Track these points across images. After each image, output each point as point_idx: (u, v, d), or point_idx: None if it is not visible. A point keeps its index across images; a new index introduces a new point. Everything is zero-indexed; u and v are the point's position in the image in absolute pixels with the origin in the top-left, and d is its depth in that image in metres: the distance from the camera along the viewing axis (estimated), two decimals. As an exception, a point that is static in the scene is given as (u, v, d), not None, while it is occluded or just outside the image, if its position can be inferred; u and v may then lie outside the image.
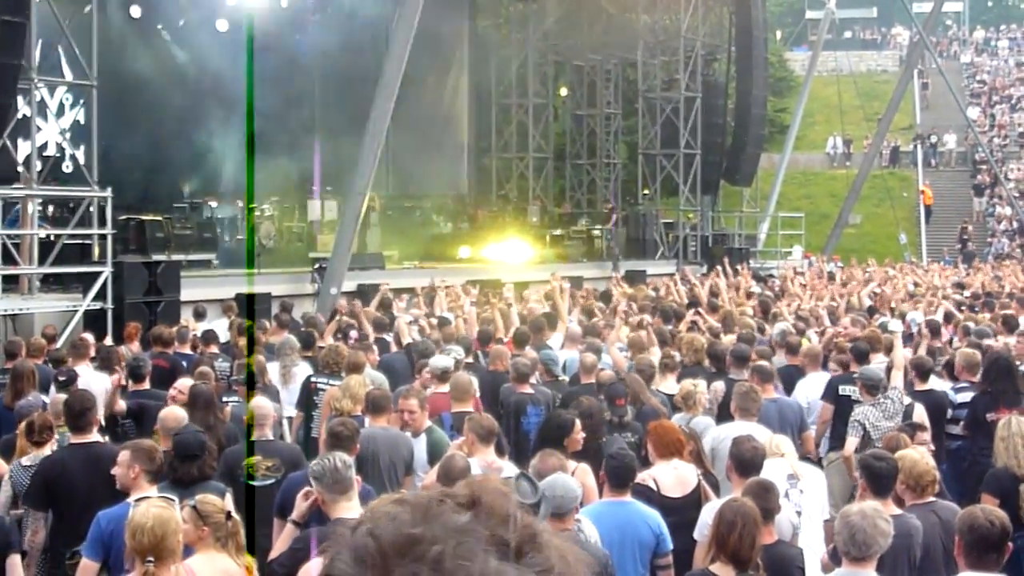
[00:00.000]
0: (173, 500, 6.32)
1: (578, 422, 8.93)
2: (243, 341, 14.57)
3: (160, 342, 14.15)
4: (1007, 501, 8.32)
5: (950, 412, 11.80)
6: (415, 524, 1.50)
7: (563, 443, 8.50)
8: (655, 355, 12.72)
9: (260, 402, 9.66)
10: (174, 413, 9.07)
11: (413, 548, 1.47)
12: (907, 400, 10.80)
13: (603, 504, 7.65)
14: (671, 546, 7.49)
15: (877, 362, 12.29)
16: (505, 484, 1.65)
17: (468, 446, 8.61)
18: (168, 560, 5.88)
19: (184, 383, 10.86)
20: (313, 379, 12.34)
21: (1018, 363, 12.62)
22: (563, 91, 42.72)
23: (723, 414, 10.59)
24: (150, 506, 6.04)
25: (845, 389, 11.84)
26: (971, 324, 16.52)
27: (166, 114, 27.31)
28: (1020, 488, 8.39)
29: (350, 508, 6.68)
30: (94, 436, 8.74)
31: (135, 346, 14.77)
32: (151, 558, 5.80)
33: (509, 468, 8.51)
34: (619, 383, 10.81)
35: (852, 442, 10.39)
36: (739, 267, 28.54)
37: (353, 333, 15.06)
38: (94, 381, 11.73)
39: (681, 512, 7.81)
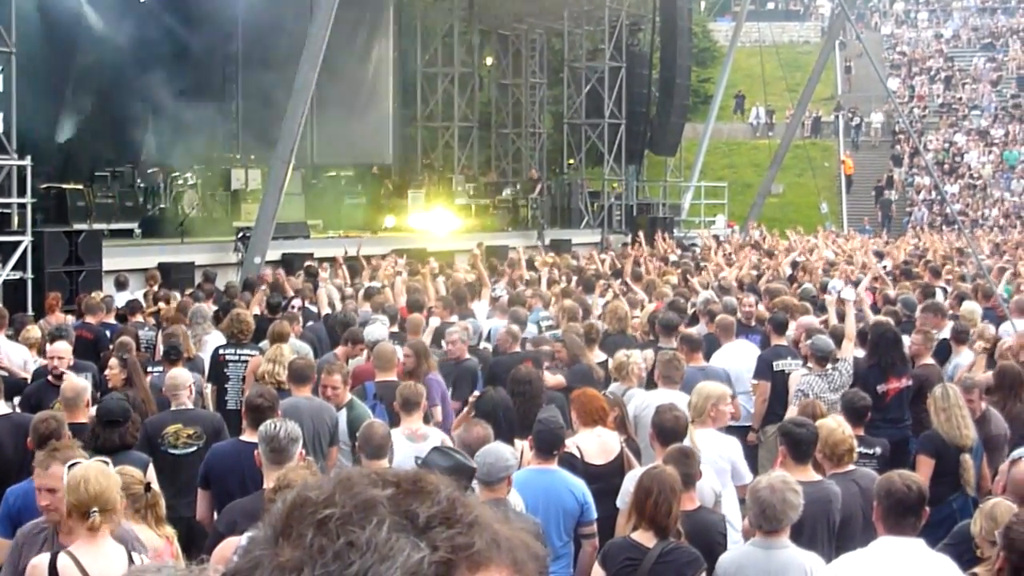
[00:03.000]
0: (107, 461, 6.24)
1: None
2: (160, 310, 14.49)
3: (87, 312, 14.01)
4: (943, 463, 8.50)
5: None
6: (318, 490, 1.50)
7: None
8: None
9: (175, 372, 9.63)
10: (73, 384, 8.93)
11: (303, 510, 1.47)
12: (852, 371, 10.86)
13: (528, 471, 7.67)
14: (595, 515, 7.54)
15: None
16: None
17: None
18: (111, 514, 5.76)
19: (60, 348, 10.74)
20: (221, 351, 12.23)
21: (935, 333, 12.82)
22: (488, 60, 42.60)
23: (648, 382, 10.63)
24: (89, 464, 5.92)
25: (779, 364, 11.90)
26: (891, 292, 16.79)
27: (87, 82, 26.93)
28: (961, 457, 8.54)
29: None
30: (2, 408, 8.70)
31: (56, 317, 14.56)
32: (95, 508, 5.71)
33: (435, 435, 8.54)
34: (543, 351, 10.86)
35: (792, 411, 10.30)
36: (659, 236, 28.73)
37: (297, 302, 15.03)
38: (12, 352, 11.61)
39: (605, 479, 7.88)
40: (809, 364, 11.12)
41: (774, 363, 11.94)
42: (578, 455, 8.06)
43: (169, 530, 6.51)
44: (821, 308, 15.01)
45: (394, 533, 1.44)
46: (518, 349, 11.65)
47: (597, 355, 11.71)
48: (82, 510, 5.71)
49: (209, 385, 12.15)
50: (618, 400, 9.02)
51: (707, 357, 11.90)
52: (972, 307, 14.46)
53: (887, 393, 10.84)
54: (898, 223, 50.10)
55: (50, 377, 10.15)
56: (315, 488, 1.51)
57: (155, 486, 6.63)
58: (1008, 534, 5.37)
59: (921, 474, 8.30)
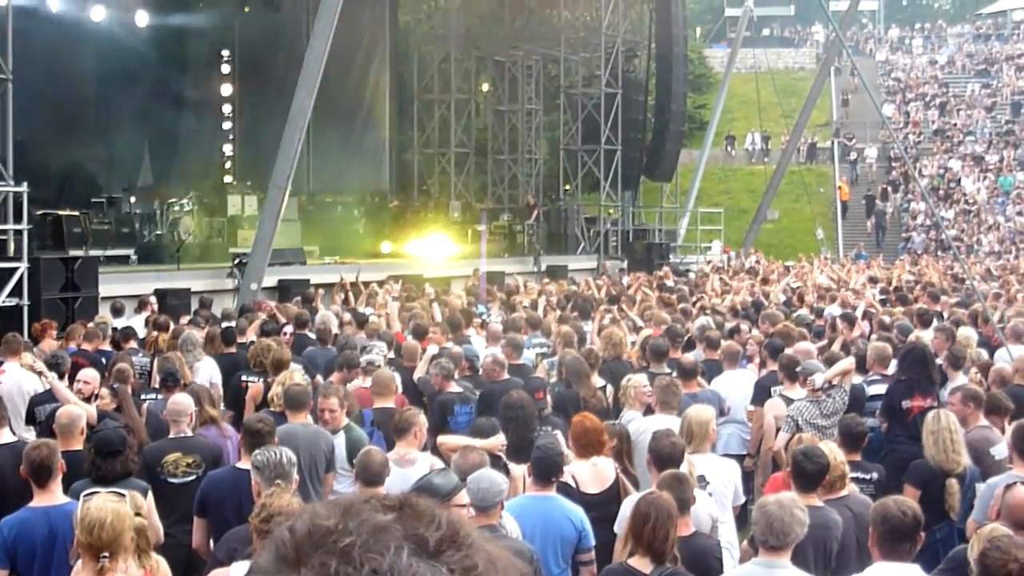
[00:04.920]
0: (123, 495, 6.23)
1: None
2: (159, 337, 14.45)
3: (82, 339, 14.00)
4: (929, 493, 8.48)
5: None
6: (331, 518, 1.51)
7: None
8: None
9: (178, 398, 9.61)
10: (68, 411, 8.90)
11: (324, 539, 1.48)
12: (847, 400, 10.84)
13: (526, 498, 7.67)
14: (593, 542, 7.53)
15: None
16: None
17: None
18: (121, 556, 5.78)
19: (88, 374, 10.78)
20: (243, 377, 12.27)
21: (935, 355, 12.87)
22: (485, 87, 42.75)
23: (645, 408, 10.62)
24: (105, 501, 5.92)
25: (777, 390, 11.92)
26: (886, 318, 16.79)
27: (84, 109, 26.99)
28: (948, 482, 8.53)
29: None
30: (6, 435, 8.67)
31: (48, 344, 14.47)
32: (106, 554, 5.70)
33: (424, 459, 8.54)
34: (537, 377, 10.85)
35: (783, 437, 10.32)
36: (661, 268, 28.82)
37: (288, 329, 15.02)
38: (23, 380, 11.59)
39: (600, 507, 7.86)
40: (784, 391, 11.09)
41: (772, 389, 11.93)
42: (573, 484, 8.04)
43: (154, 560, 6.46)
44: (817, 334, 15.03)
45: (412, 559, 1.47)
46: (506, 376, 11.63)
47: (596, 381, 11.73)
48: (93, 552, 5.72)
49: (224, 410, 12.21)
50: (620, 432, 8.95)
51: (708, 383, 11.90)
52: (967, 333, 14.46)
53: (911, 410, 10.83)
54: (892, 247, 50.14)
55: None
56: (325, 516, 1.52)
57: (144, 514, 6.61)
58: (984, 560, 5.38)
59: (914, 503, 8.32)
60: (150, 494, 7.68)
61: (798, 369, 11.13)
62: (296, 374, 10.72)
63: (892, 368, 12.12)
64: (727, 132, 58.85)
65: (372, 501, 1.56)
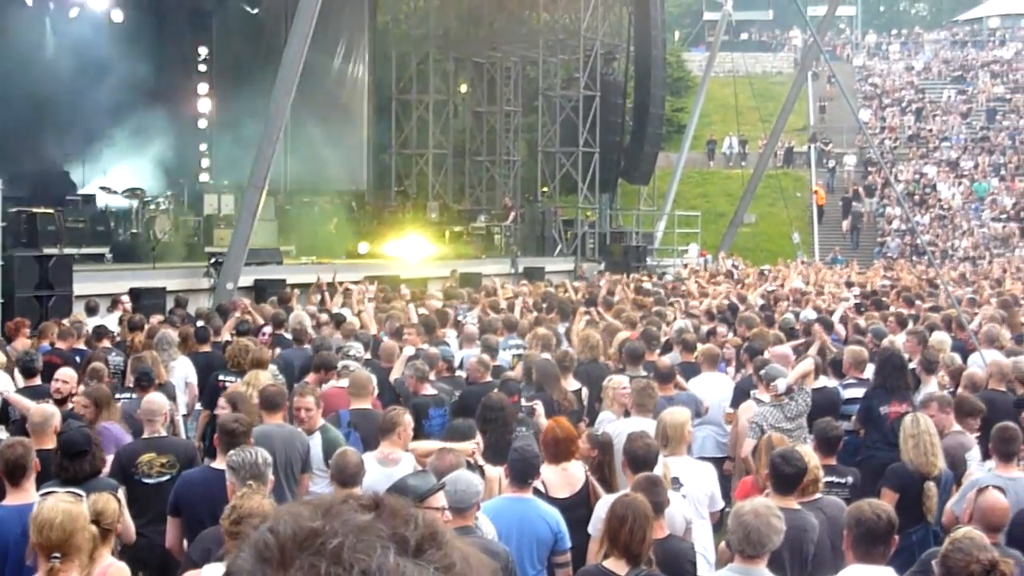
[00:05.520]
0: (81, 495, 6.20)
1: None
2: (135, 337, 14.38)
3: (56, 337, 13.93)
4: (906, 496, 8.52)
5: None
6: (315, 519, 1.51)
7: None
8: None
9: (152, 398, 9.57)
10: (42, 410, 8.87)
11: (312, 541, 1.48)
12: (810, 401, 10.91)
13: (502, 500, 7.67)
14: (569, 544, 7.54)
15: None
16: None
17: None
18: (75, 557, 5.74)
19: (66, 373, 10.73)
20: (221, 376, 12.25)
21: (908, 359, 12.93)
22: (463, 88, 42.72)
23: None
24: (58, 501, 5.89)
25: (755, 392, 11.91)
26: (862, 322, 16.85)
27: (59, 107, 26.85)
28: (926, 485, 8.56)
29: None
30: None
31: (21, 342, 14.38)
32: (57, 555, 5.67)
33: (408, 459, 8.53)
34: (513, 381, 10.85)
35: (749, 443, 10.37)
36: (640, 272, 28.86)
37: (267, 329, 14.97)
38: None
39: (570, 511, 7.83)
40: (759, 395, 11.13)
41: (751, 391, 11.96)
42: (543, 489, 8.02)
43: (114, 567, 6.38)
44: (794, 338, 15.06)
45: (399, 558, 1.48)
46: (489, 379, 11.63)
47: (571, 383, 11.73)
48: (45, 553, 5.70)
49: (201, 408, 12.20)
50: (603, 442, 8.88)
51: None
52: (941, 337, 14.53)
53: (889, 415, 10.87)
54: (868, 251, 50.33)
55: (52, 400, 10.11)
56: (309, 517, 1.52)
57: (109, 515, 6.55)
58: (946, 562, 5.39)
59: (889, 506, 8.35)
60: (122, 493, 7.63)
61: (762, 373, 11.18)
62: (262, 375, 10.68)
63: (868, 372, 12.18)
64: (708, 136, 59.01)
65: (350, 501, 1.56)
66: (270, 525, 1.53)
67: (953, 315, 16.77)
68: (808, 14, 40.80)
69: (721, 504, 8.74)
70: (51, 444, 8.38)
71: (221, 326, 15.36)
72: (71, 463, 7.80)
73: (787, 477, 7.35)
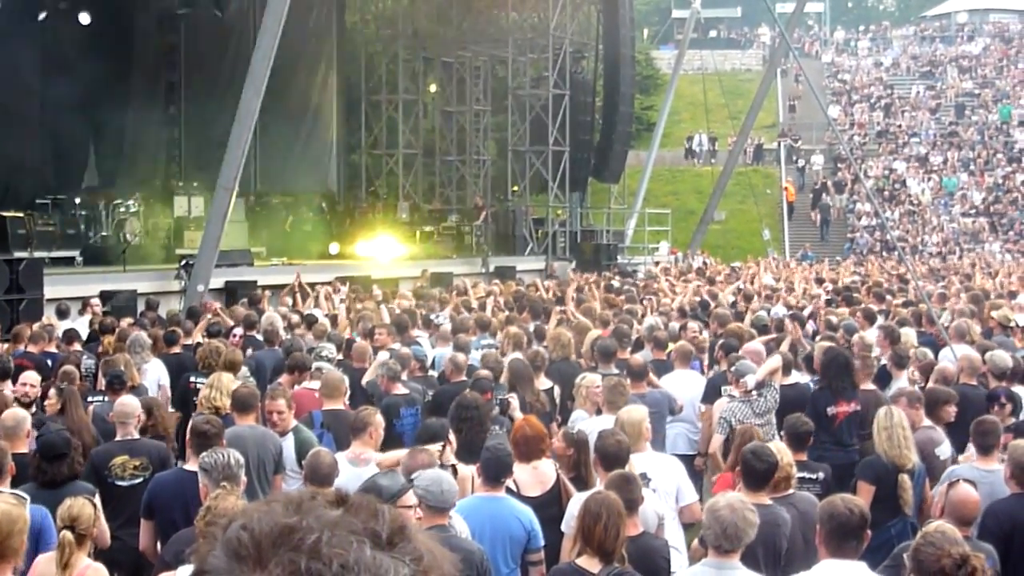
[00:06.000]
0: (25, 498, 6.18)
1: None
2: (106, 339, 14.33)
3: (30, 341, 13.87)
4: (882, 488, 8.56)
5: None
6: (288, 516, 1.51)
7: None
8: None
9: (125, 400, 9.54)
10: (14, 413, 8.83)
11: (289, 537, 1.48)
12: (778, 398, 10.95)
13: (475, 499, 7.67)
14: (543, 542, 7.55)
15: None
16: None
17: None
18: (9, 559, 5.73)
19: (30, 377, 10.68)
20: (192, 379, 12.22)
21: (879, 356, 12.99)
22: (432, 87, 42.67)
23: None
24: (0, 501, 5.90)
25: (728, 389, 11.95)
26: (833, 318, 16.93)
27: (28, 108, 26.72)
28: (900, 477, 8.60)
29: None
30: None
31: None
32: None
33: (379, 459, 8.53)
34: (485, 379, 10.87)
35: (717, 440, 10.46)
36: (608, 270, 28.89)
37: (238, 331, 14.94)
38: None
39: (541, 510, 7.84)
40: (732, 391, 11.18)
41: (723, 388, 12.00)
42: (514, 487, 8.03)
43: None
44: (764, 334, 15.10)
45: (375, 552, 1.49)
46: (463, 378, 11.63)
47: (543, 382, 11.74)
48: None
49: (171, 410, 12.15)
50: (579, 440, 8.86)
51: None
52: (908, 332, 14.62)
53: (836, 416, 10.91)
54: (838, 247, 50.57)
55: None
56: (283, 513, 1.52)
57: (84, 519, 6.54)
58: (916, 556, 5.42)
59: (861, 499, 8.39)
60: (98, 497, 7.61)
61: (732, 370, 11.22)
62: (225, 377, 10.65)
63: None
64: (687, 134, 59.16)
65: (318, 498, 1.57)
66: (242, 523, 1.52)
67: (923, 310, 16.86)
68: (776, 11, 41.03)
69: (692, 497, 8.73)
70: (23, 448, 8.35)
71: (191, 328, 15.32)
72: (49, 466, 7.79)
73: (758, 473, 7.38)
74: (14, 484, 7.40)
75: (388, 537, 1.53)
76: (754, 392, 10.71)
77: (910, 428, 8.98)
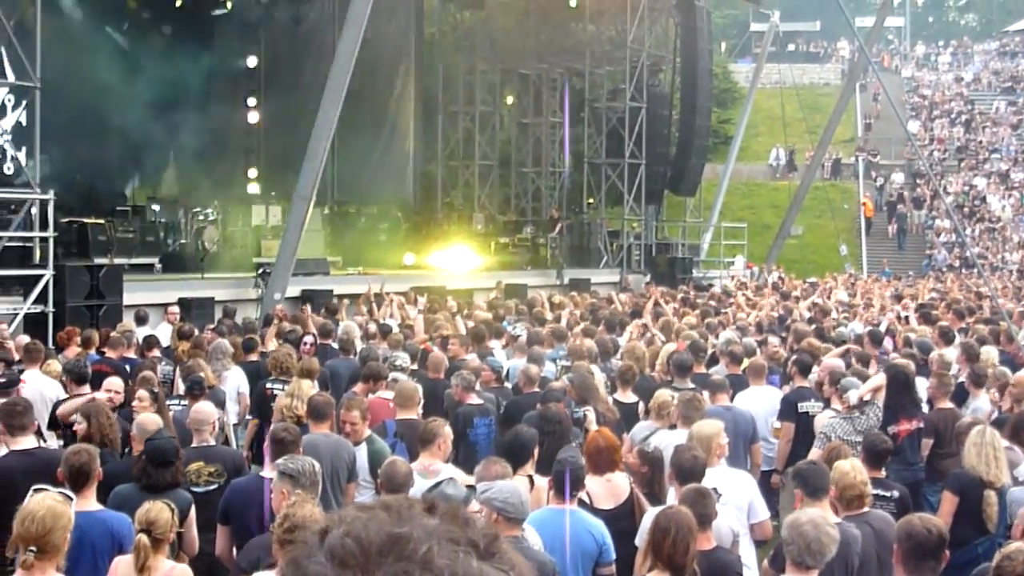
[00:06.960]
0: (72, 498, 6.25)
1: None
2: (181, 345, 14.50)
3: (109, 347, 14.06)
4: (966, 501, 8.46)
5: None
6: (395, 525, 1.51)
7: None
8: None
9: (201, 407, 9.62)
10: (151, 418, 8.92)
11: (398, 547, 1.47)
12: (881, 416, 10.83)
13: (548, 511, 7.64)
14: (614, 555, 7.52)
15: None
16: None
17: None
18: (51, 555, 5.80)
19: (113, 382, 10.80)
20: (268, 385, 12.34)
21: (957, 375, 12.82)
22: (509, 99, 42.74)
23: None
24: (46, 497, 5.95)
25: (803, 406, 11.87)
26: (911, 335, 16.73)
27: (110, 118, 27.12)
28: (986, 493, 8.50)
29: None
30: (30, 441, 8.62)
31: (72, 351, 14.50)
32: (33, 548, 5.73)
33: (447, 470, 8.55)
34: (558, 391, 10.85)
35: (815, 454, 10.38)
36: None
37: (308, 339, 15.05)
38: (44, 387, 11.63)
39: (614, 523, 7.82)
40: (834, 406, 11.08)
41: (799, 404, 11.91)
42: (587, 500, 8.01)
43: None
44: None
45: (480, 563, 1.50)
46: (536, 390, 11.64)
47: (629, 396, 11.74)
48: (23, 544, 5.77)
49: (249, 418, 12.30)
50: (654, 459, 8.82)
51: (731, 398, 11.90)
52: (988, 351, 14.41)
53: (898, 435, 10.81)
54: (916, 264, 49.99)
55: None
56: (390, 522, 1.52)
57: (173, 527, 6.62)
58: (999, 572, 5.35)
59: (944, 510, 8.32)
60: (193, 507, 7.72)
61: (837, 386, 11.11)
62: (305, 384, 10.73)
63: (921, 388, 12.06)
64: (765, 148, 58.79)
65: (416, 505, 1.56)
66: (345, 530, 1.51)
67: (1003, 328, 16.62)
68: (856, 25, 40.71)
69: (764, 514, 8.66)
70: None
71: (266, 336, 15.48)
72: (155, 471, 7.88)
73: (810, 479, 7.46)
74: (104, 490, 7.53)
75: (485, 547, 1.52)
76: (856, 409, 10.62)
77: (1003, 448, 8.86)
